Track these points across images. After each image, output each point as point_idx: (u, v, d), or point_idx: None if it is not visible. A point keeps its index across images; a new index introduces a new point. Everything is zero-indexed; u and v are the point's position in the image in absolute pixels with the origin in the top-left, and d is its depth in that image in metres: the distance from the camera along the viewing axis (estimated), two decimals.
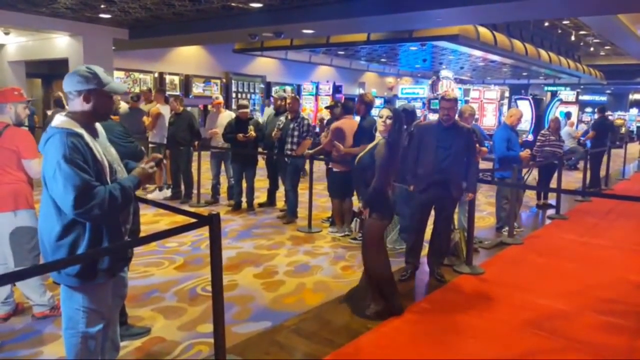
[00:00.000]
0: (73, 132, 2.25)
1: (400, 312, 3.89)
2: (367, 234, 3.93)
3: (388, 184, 3.86)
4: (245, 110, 7.09)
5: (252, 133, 6.90)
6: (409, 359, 3.28)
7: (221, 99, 8.06)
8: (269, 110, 10.26)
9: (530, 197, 8.55)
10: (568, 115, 14.40)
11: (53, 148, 2.21)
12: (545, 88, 24.29)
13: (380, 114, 3.85)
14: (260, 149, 7.31)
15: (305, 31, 9.92)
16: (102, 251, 2.36)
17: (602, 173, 10.81)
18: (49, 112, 11.99)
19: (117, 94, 2.50)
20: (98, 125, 2.47)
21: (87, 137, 2.30)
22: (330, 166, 6.28)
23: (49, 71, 13.51)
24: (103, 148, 2.40)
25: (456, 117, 5.01)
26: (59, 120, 2.31)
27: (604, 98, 33.95)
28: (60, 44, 10.82)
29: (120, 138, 3.54)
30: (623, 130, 23.37)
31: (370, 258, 3.91)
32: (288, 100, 6.89)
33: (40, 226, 2.37)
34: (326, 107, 6.82)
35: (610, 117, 15.70)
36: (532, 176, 7.51)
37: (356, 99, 6.19)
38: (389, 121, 3.79)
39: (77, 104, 2.34)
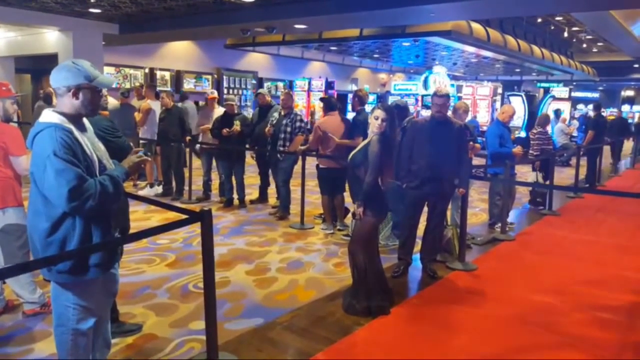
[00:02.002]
0: (62, 127, 2.22)
1: (384, 312, 3.83)
2: (359, 231, 3.91)
3: (383, 179, 3.86)
4: (231, 103, 7.07)
5: (237, 127, 6.86)
6: (401, 355, 3.27)
7: (216, 94, 8.01)
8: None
9: (522, 193, 8.58)
10: (557, 112, 14.46)
11: (43, 143, 2.18)
12: (538, 84, 24.39)
13: (375, 115, 3.81)
14: (247, 145, 7.28)
15: (297, 26, 9.89)
16: (92, 248, 2.33)
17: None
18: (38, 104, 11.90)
19: (106, 87, 2.47)
20: (85, 121, 2.45)
21: (77, 132, 2.28)
22: (317, 163, 6.28)
23: (38, 66, 13.37)
24: (92, 143, 2.37)
25: (449, 113, 5.01)
26: (47, 115, 2.28)
27: (596, 95, 34.11)
28: (50, 39, 10.70)
29: (108, 133, 3.49)
30: None
31: (358, 255, 3.89)
32: (282, 96, 6.86)
33: (29, 223, 2.35)
34: (320, 99, 6.79)
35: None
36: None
37: (350, 95, 6.18)
38: (384, 123, 3.78)
39: (66, 100, 2.31)
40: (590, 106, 14.43)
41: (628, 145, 18.27)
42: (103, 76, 2.41)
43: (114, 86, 12.75)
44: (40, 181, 2.20)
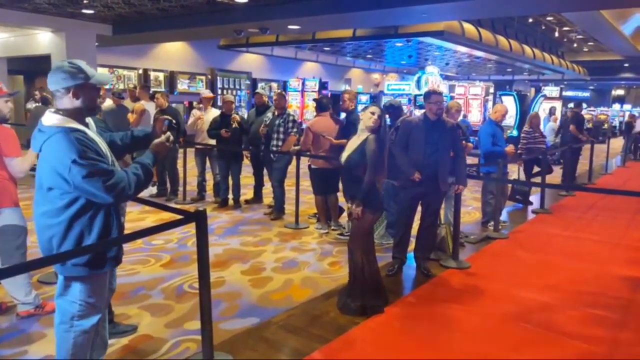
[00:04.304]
0: (76, 129, 2.23)
1: (378, 311, 3.85)
2: (358, 228, 3.92)
3: (379, 178, 3.89)
4: (230, 101, 7.12)
5: (237, 117, 6.89)
6: (396, 353, 3.29)
7: (211, 95, 8.01)
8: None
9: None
10: (552, 110, 14.53)
11: (60, 150, 2.17)
12: (530, 84, 24.54)
13: (371, 111, 3.87)
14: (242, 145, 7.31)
15: (290, 27, 9.91)
16: (109, 242, 2.41)
17: (586, 168, 10.96)
18: (29, 106, 11.82)
19: (104, 84, 2.50)
20: (90, 120, 2.46)
21: (89, 132, 2.31)
22: (309, 163, 6.29)
23: (31, 67, 13.31)
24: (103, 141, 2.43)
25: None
26: (54, 118, 2.26)
27: (587, 94, 34.37)
28: (43, 40, 10.67)
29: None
30: (606, 125, 23.70)
31: (356, 252, 3.90)
32: (274, 97, 6.88)
33: (39, 224, 2.34)
34: (314, 99, 6.81)
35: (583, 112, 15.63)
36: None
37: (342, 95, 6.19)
38: (379, 119, 3.83)
39: (67, 101, 2.30)
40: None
41: (618, 143, 18.40)
42: (99, 74, 2.42)
43: (108, 86, 12.78)
44: (63, 186, 2.21)
